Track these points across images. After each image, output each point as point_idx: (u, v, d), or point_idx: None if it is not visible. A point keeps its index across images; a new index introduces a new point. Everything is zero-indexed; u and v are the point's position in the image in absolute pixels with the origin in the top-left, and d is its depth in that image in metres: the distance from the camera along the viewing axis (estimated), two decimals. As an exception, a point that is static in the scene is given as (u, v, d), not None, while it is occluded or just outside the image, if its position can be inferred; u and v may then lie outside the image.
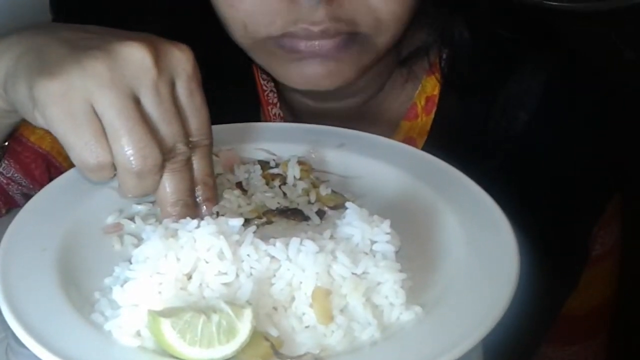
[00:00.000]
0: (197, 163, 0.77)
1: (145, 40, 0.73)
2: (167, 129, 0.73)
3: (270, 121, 1.06)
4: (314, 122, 1.01)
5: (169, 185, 0.75)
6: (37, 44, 0.75)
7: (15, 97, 0.74)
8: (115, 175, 0.74)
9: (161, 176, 0.74)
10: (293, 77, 0.93)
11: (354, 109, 1.02)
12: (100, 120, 0.71)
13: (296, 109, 1.06)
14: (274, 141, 0.90)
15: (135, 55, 0.71)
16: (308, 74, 0.91)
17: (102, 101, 0.70)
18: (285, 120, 1.06)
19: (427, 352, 0.66)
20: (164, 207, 0.76)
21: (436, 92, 1.01)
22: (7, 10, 1.09)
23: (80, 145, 0.71)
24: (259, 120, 1.06)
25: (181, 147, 0.74)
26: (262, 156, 0.89)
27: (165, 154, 0.73)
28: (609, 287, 1.11)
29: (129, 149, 0.71)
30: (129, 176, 0.72)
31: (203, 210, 0.77)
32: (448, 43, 0.98)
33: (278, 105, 1.06)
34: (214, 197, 0.79)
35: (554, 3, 1.60)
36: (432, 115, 1.01)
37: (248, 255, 0.70)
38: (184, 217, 0.74)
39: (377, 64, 0.96)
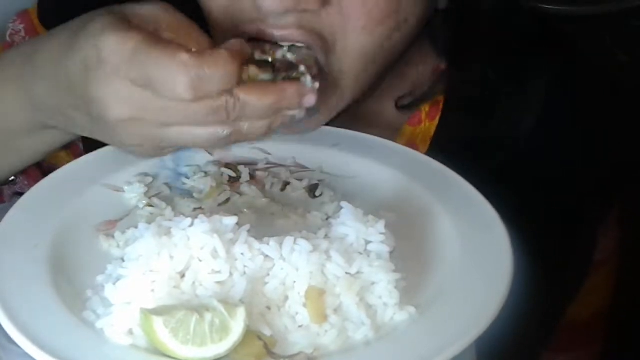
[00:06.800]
0: None
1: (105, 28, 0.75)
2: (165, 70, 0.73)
3: None
4: None
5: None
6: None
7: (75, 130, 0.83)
8: None
9: None
10: None
11: (351, 110, 1.02)
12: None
13: None
14: (269, 140, 0.90)
15: (111, 47, 0.74)
16: None
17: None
18: None
19: (421, 352, 0.66)
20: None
21: (441, 98, 1.01)
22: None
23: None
24: None
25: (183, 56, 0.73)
26: (257, 155, 0.89)
27: None
28: (608, 295, 1.10)
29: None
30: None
31: None
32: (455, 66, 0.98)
33: None
34: None
35: (550, 7, 1.60)
36: (436, 122, 1.00)
37: (242, 254, 0.70)
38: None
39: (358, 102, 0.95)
